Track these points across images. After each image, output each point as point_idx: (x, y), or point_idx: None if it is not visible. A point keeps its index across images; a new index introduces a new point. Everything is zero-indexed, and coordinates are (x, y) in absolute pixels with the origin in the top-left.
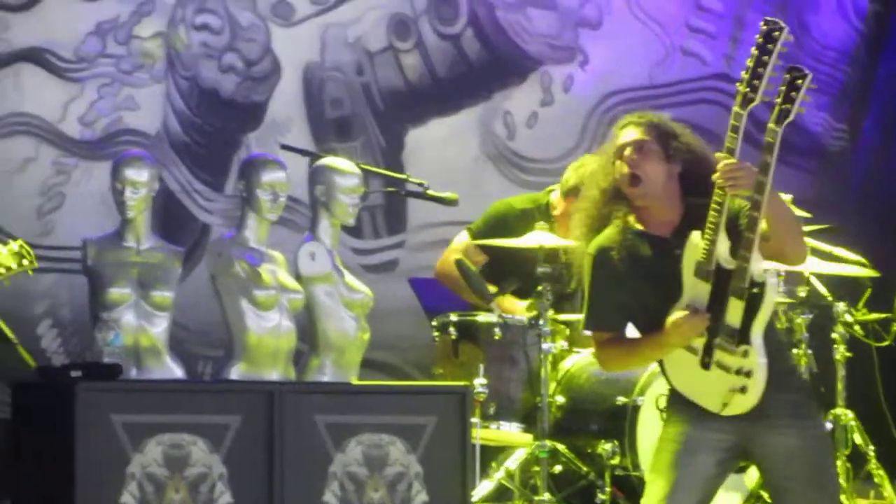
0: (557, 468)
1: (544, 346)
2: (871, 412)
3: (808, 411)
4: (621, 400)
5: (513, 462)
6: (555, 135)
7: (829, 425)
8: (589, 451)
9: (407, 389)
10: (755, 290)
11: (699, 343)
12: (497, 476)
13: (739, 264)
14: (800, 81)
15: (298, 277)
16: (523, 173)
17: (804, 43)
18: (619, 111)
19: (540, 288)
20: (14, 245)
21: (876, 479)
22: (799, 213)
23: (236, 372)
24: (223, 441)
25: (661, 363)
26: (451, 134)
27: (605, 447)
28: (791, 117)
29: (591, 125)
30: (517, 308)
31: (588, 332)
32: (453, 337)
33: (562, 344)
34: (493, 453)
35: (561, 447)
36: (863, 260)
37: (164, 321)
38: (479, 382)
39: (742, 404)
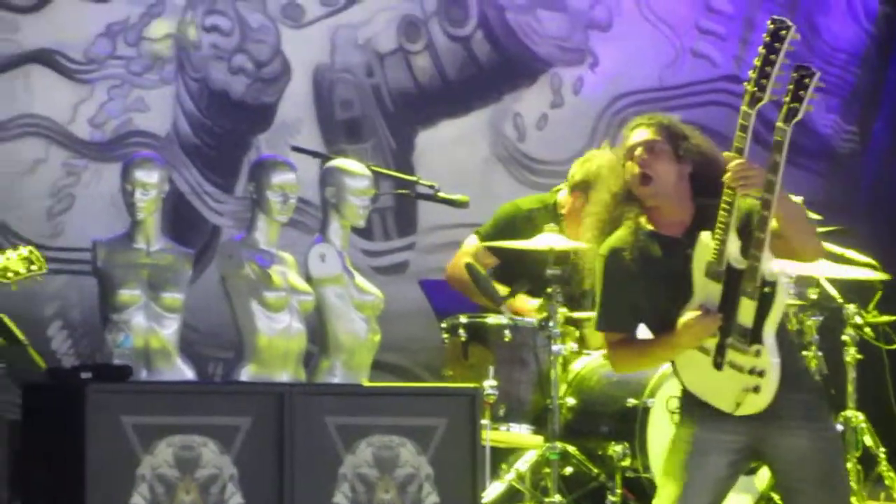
0: (568, 470)
1: (554, 347)
2: (882, 414)
3: (820, 413)
4: (632, 402)
5: (523, 464)
6: (565, 137)
7: (839, 427)
8: (599, 452)
9: (417, 391)
10: (767, 290)
11: (711, 343)
12: (507, 478)
13: (750, 264)
14: (808, 80)
15: (309, 279)
16: (533, 175)
17: (814, 45)
18: (629, 113)
19: (550, 290)
20: (24, 250)
21: (887, 482)
22: (811, 215)
23: (246, 373)
24: (234, 442)
25: (673, 364)
26: (461, 136)
27: (616, 449)
28: (800, 116)
29: (601, 127)
30: (529, 307)
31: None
32: (463, 339)
33: (572, 346)
34: (503, 455)
35: (571, 449)
36: (873, 262)
37: (175, 323)
38: (489, 384)
39: (755, 404)
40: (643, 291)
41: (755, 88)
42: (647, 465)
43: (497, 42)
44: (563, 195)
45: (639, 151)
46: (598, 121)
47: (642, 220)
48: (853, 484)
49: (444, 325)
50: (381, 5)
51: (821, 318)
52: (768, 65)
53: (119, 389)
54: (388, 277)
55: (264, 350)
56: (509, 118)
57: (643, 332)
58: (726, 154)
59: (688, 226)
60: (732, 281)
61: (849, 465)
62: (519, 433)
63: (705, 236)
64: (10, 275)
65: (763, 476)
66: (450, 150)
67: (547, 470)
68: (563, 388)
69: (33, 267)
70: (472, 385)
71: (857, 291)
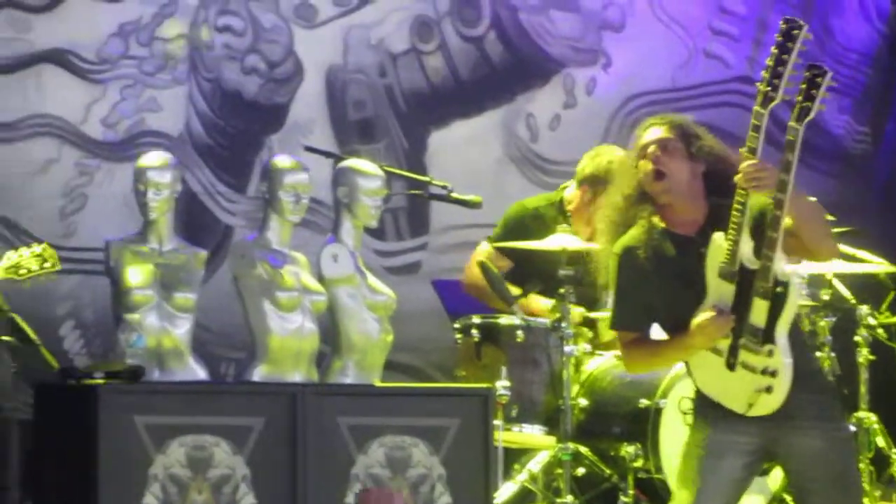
0: (580, 471)
1: (567, 348)
2: (894, 415)
3: (833, 413)
4: (644, 402)
5: (535, 464)
6: (577, 137)
7: (852, 428)
8: (612, 453)
9: (429, 391)
10: (779, 290)
11: (724, 344)
12: (520, 478)
13: (763, 264)
14: (820, 79)
15: (321, 279)
16: (546, 175)
17: (826, 45)
18: (642, 114)
19: (562, 290)
20: (37, 248)
21: None
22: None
23: (259, 374)
24: (246, 443)
25: (687, 365)
26: (473, 136)
27: (628, 450)
28: (812, 115)
29: (614, 128)
30: (541, 308)
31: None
32: (476, 339)
33: (584, 346)
34: (515, 456)
35: (584, 450)
36: (886, 263)
37: (187, 323)
38: (502, 385)
39: (768, 404)
40: (657, 290)
41: (768, 88)
42: (659, 465)
43: (510, 42)
44: (570, 191)
45: (652, 149)
46: (611, 121)
47: (655, 218)
48: (865, 485)
49: (456, 325)
50: (394, 5)
51: (833, 319)
52: (781, 64)
53: (131, 389)
54: (400, 278)
55: (277, 350)
56: (522, 119)
57: (657, 332)
58: (740, 151)
59: (701, 225)
60: (745, 281)
61: (861, 465)
62: (531, 434)
63: (718, 237)
64: (22, 272)
65: (776, 477)
66: (462, 150)
67: (559, 471)
68: (575, 388)
69: (46, 264)
70: (484, 385)
71: (869, 292)
